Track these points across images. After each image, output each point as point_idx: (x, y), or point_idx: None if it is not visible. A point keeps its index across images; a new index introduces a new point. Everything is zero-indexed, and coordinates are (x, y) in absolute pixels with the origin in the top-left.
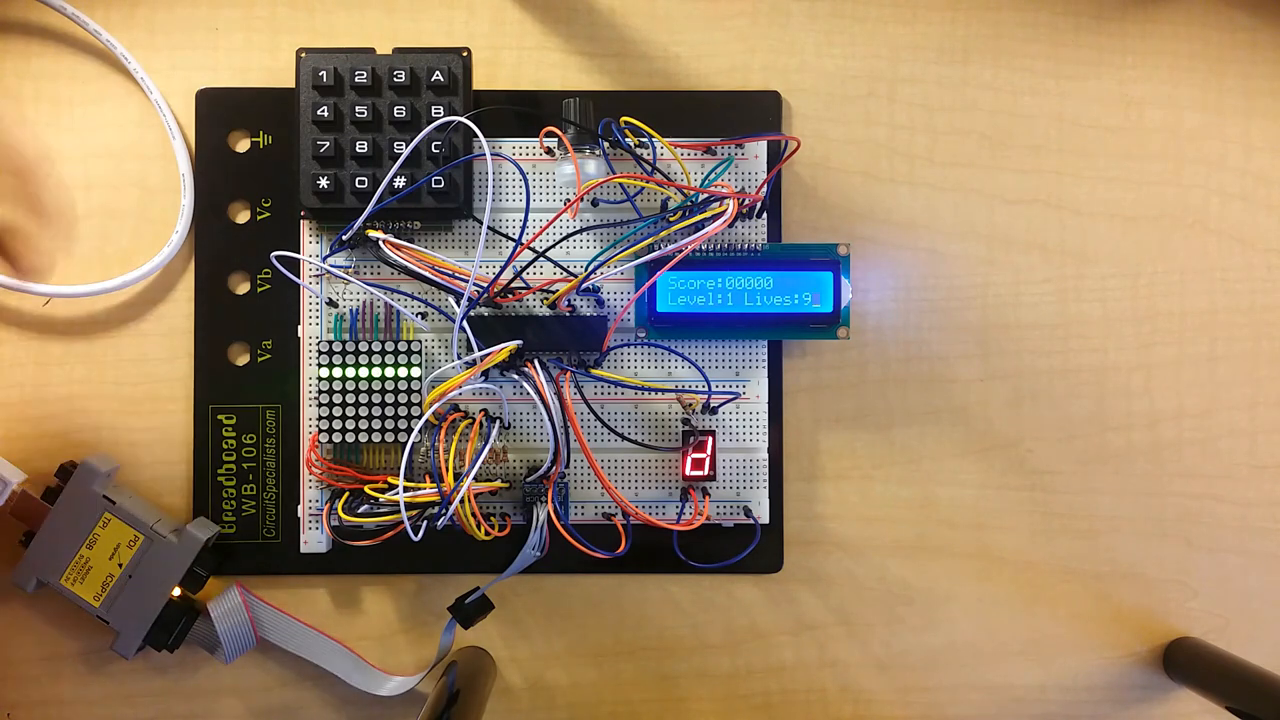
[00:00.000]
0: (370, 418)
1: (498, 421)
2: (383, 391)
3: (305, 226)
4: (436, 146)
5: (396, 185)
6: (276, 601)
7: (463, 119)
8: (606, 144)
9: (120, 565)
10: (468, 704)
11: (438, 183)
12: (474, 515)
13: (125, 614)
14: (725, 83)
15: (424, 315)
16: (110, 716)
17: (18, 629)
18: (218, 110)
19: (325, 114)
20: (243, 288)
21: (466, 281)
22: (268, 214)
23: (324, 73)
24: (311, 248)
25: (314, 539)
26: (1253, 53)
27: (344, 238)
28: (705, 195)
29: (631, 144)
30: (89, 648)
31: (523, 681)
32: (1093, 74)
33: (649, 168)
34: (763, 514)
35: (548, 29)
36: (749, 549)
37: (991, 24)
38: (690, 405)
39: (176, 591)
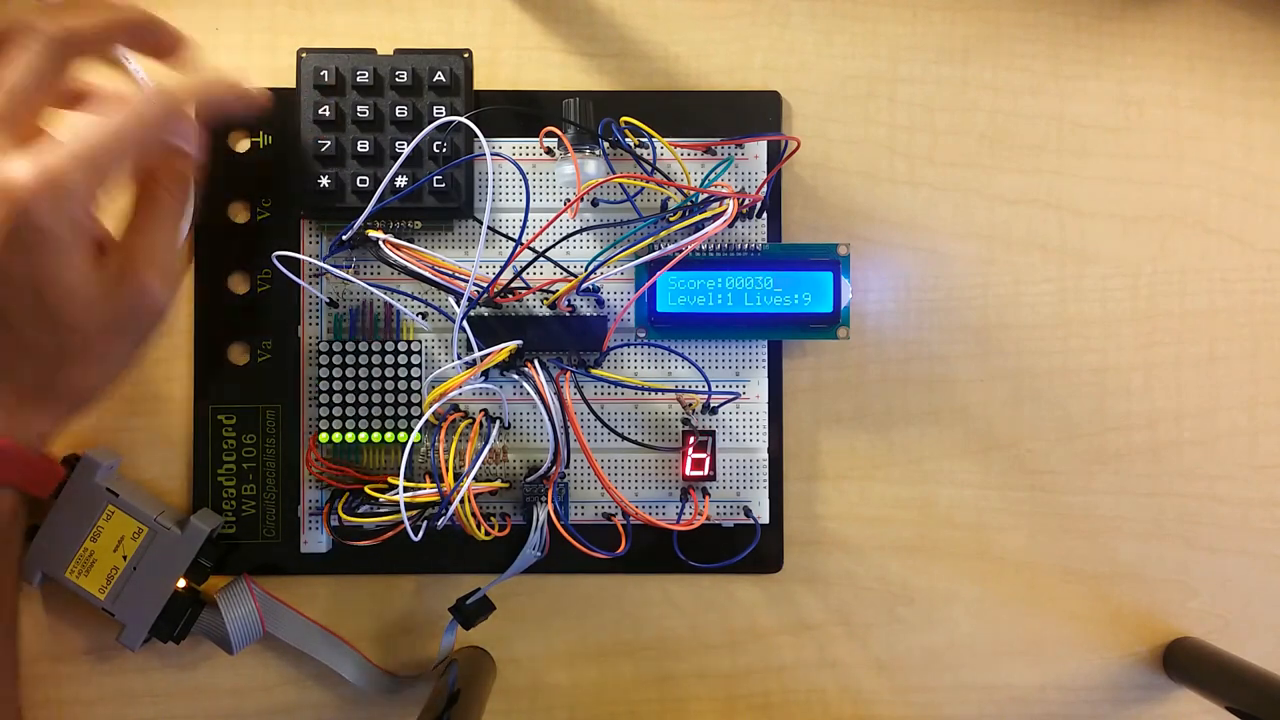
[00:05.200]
0: (370, 418)
1: (498, 421)
2: (383, 391)
3: (305, 226)
4: (438, 146)
5: (397, 185)
6: None
7: (463, 119)
8: (606, 144)
9: (124, 558)
10: (468, 704)
11: (439, 182)
12: (474, 515)
13: (130, 606)
14: (725, 83)
15: (424, 315)
16: (112, 715)
17: (24, 623)
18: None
19: (326, 113)
20: (243, 288)
21: (466, 281)
22: (268, 214)
23: (325, 72)
24: (311, 248)
25: (314, 539)
26: (1253, 53)
27: (344, 237)
28: (705, 195)
29: (631, 144)
30: (95, 642)
31: (523, 681)
32: (1093, 74)
33: (649, 168)
34: (763, 514)
35: (548, 29)
36: (749, 549)
37: (991, 24)
38: (690, 405)
39: (181, 583)
